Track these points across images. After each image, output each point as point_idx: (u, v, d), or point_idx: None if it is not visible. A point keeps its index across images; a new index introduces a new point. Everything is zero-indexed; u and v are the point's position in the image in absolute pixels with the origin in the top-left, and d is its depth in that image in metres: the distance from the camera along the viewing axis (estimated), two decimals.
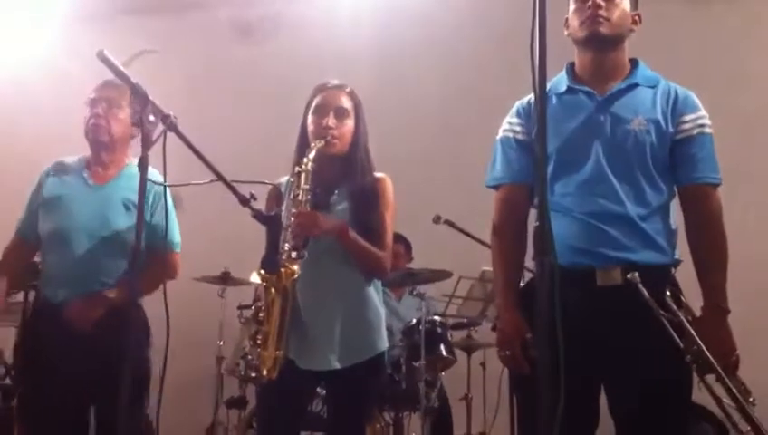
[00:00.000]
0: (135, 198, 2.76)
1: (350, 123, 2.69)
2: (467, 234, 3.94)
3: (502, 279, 2.37)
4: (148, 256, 2.74)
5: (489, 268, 4.04)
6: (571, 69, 2.42)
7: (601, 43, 2.31)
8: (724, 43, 5.04)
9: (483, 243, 3.88)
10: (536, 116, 1.75)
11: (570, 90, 2.37)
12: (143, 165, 1.97)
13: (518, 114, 2.44)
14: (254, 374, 2.56)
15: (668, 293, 2.19)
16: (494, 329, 4.15)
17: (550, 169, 2.30)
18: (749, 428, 2.16)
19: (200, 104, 5.43)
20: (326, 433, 2.96)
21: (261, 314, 2.53)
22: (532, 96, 2.38)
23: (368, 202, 2.66)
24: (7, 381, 4.53)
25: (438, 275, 4.19)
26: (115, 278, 2.82)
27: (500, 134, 2.46)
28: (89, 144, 2.95)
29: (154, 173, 2.28)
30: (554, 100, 2.37)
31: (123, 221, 2.84)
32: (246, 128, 5.50)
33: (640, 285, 2.15)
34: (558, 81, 2.41)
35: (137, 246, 2.02)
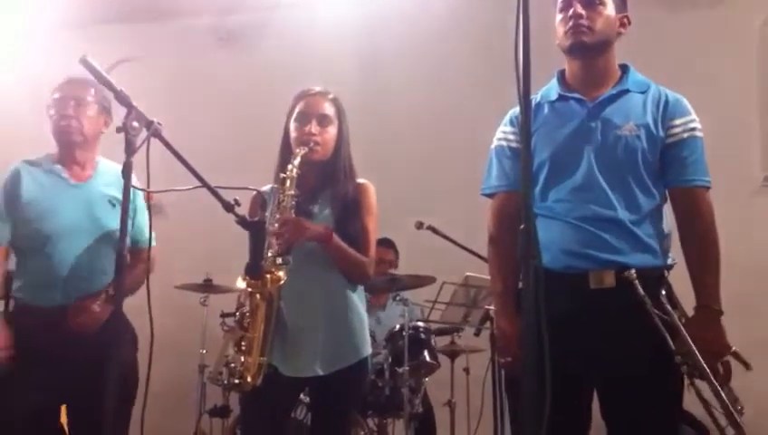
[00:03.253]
0: (117, 194, 2.79)
1: (332, 130, 2.70)
2: (450, 240, 3.95)
3: (499, 286, 2.38)
4: (132, 256, 2.72)
5: (472, 274, 4.09)
6: (561, 76, 2.44)
7: (586, 52, 2.33)
8: (699, 46, 5.11)
9: (466, 249, 3.92)
10: (522, 122, 1.75)
11: (561, 97, 2.39)
12: (127, 171, 1.96)
13: (511, 123, 2.46)
14: (237, 381, 2.53)
15: (664, 292, 2.21)
16: (477, 334, 4.20)
17: (543, 175, 2.33)
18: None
19: (181, 112, 5.40)
20: None
21: (246, 321, 2.53)
22: None
23: (350, 208, 2.67)
24: None
25: (421, 281, 4.19)
26: (110, 276, 2.75)
27: (494, 143, 2.48)
28: (59, 144, 2.90)
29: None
30: (546, 108, 2.40)
31: (111, 218, 2.81)
32: (227, 135, 5.48)
33: (636, 282, 2.16)
34: (549, 88, 2.44)
35: (122, 249, 2.01)
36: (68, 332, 2.70)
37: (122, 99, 1.97)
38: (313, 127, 2.64)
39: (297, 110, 2.70)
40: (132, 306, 2.84)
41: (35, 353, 2.68)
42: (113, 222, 2.79)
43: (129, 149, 1.95)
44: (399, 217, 4.09)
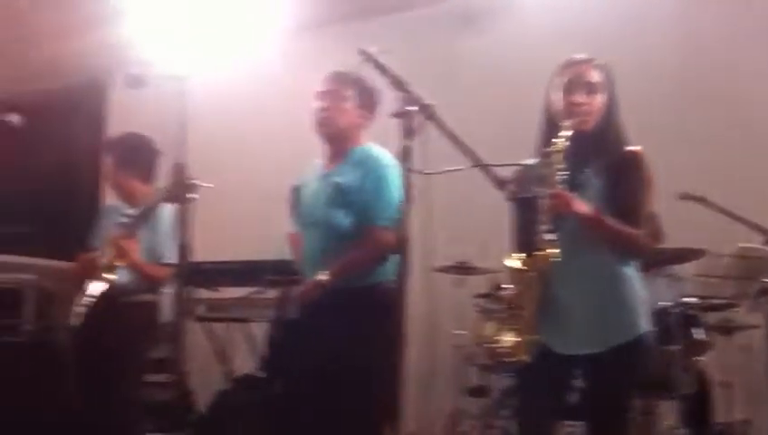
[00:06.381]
0: (347, 181, 2.95)
1: (601, 98, 2.59)
2: (723, 211, 3.69)
3: None
4: (359, 235, 2.92)
5: (747, 244, 3.81)
6: None
7: None
8: None
9: (740, 219, 3.65)
10: None
11: None
12: (406, 155, 2.01)
13: None
14: (507, 359, 2.53)
15: None
16: (754, 310, 3.89)
17: None
18: None
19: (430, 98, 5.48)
20: (585, 422, 2.82)
21: (516, 299, 2.50)
22: None
23: (622, 178, 2.54)
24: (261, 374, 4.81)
25: (690, 254, 3.97)
26: (331, 261, 2.93)
27: None
28: (319, 136, 3.08)
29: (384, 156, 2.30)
30: None
31: (336, 206, 2.96)
32: (476, 117, 5.47)
33: None
34: None
35: (402, 232, 2.07)
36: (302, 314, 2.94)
37: (398, 84, 2.02)
38: (581, 97, 2.55)
39: (563, 79, 2.61)
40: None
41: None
42: (339, 213, 2.95)
43: (408, 133, 2.00)
44: (660, 186, 3.88)
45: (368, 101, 3.07)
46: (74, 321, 3.57)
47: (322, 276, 2.92)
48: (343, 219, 2.97)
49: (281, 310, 2.99)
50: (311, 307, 2.94)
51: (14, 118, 3.59)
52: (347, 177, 3.00)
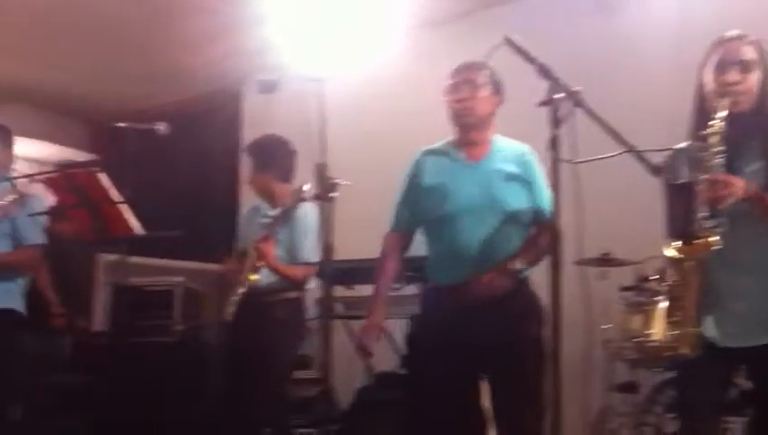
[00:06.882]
0: (512, 169, 2.91)
1: (755, 76, 2.46)
2: None
3: None
4: (537, 227, 2.86)
5: None
6: None
7: None
8: None
9: None
10: None
11: None
12: (555, 144, 1.95)
13: None
14: (667, 353, 2.42)
15: None
16: None
17: None
18: None
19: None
20: (748, 418, 2.70)
21: (676, 290, 2.38)
22: None
23: None
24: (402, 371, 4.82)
25: None
26: (511, 249, 2.86)
27: None
28: (456, 127, 3.02)
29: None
30: None
31: (508, 194, 2.90)
32: (611, 104, 5.29)
33: None
34: None
35: (554, 223, 2.01)
36: (469, 307, 2.80)
37: (545, 71, 1.96)
38: (735, 75, 2.43)
39: (715, 58, 2.49)
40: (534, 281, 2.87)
41: (446, 331, 2.85)
42: (510, 198, 2.89)
43: (555, 121, 1.94)
44: None
45: (498, 88, 3.02)
46: (224, 320, 3.70)
47: (516, 264, 2.81)
48: (513, 204, 2.89)
49: (453, 303, 2.87)
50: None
51: (161, 126, 3.74)
52: (505, 166, 2.94)
